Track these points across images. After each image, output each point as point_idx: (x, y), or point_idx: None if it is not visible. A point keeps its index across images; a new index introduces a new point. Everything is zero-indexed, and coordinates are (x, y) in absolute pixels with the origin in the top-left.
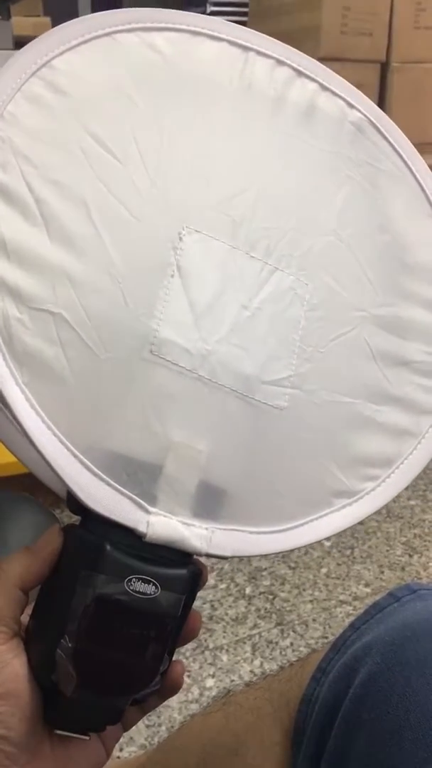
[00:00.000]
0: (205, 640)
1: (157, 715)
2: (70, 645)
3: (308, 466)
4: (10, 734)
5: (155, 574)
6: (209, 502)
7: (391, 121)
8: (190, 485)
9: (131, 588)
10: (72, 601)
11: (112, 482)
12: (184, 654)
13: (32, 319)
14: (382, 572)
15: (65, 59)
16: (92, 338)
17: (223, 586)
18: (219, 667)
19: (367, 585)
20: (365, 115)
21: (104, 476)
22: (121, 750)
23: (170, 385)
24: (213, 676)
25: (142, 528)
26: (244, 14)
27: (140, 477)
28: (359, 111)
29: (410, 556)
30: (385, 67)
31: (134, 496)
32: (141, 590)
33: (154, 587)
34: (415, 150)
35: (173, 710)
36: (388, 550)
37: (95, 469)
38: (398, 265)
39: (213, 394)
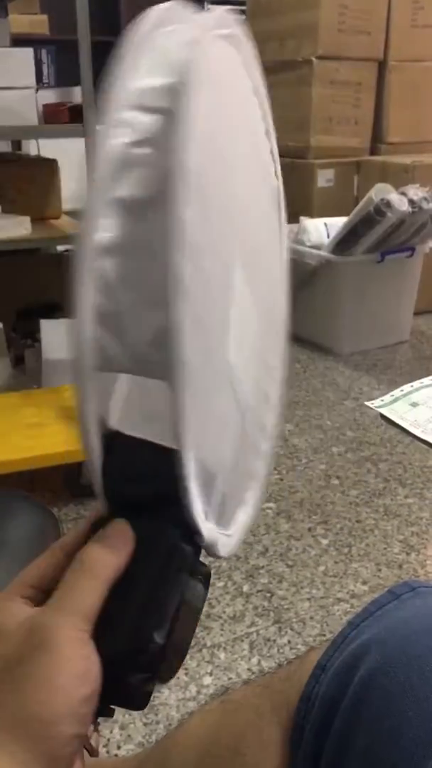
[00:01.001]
0: (203, 638)
1: (155, 713)
2: (161, 641)
3: (242, 482)
4: (86, 733)
5: (204, 572)
6: (221, 510)
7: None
8: (221, 496)
9: (197, 588)
10: (167, 601)
11: (200, 491)
12: None
13: (191, 322)
14: (380, 570)
15: None
16: (211, 352)
17: (220, 584)
18: (217, 665)
19: (364, 583)
20: (279, 187)
21: (199, 485)
22: (119, 748)
23: (229, 405)
24: (211, 674)
25: (205, 534)
26: (242, 12)
27: (208, 486)
28: (278, 181)
29: (408, 553)
30: (382, 66)
31: (205, 505)
32: (199, 589)
33: (202, 586)
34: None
35: (171, 708)
36: (385, 548)
37: (198, 478)
38: (274, 322)
39: (236, 415)
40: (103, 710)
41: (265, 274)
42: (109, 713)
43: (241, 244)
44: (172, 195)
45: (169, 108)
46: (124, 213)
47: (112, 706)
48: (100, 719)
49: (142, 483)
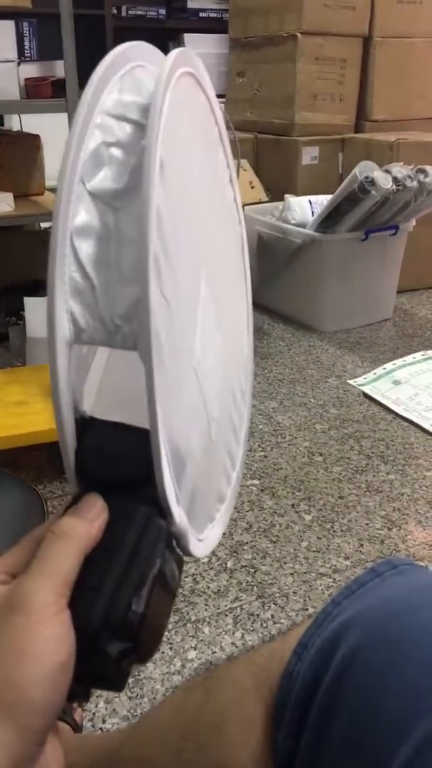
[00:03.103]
0: (187, 613)
1: (139, 687)
2: (140, 610)
3: (210, 494)
4: (61, 703)
5: (179, 559)
6: (191, 505)
7: None
8: (191, 487)
9: (173, 566)
10: (146, 569)
11: (172, 472)
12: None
13: (161, 305)
14: (362, 545)
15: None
16: (179, 339)
17: (204, 560)
18: (201, 639)
19: (347, 558)
20: (242, 233)
21: (171, 465)
22: (104, 721)
23: (197, 398)
24: (195, 648)
25: (176, 518)
26: None
27: (178, 470)
28: (242, 228)
29: (389, 529)
30: (367, 42)
31: (177, 488)
32: (173, 569)
33: (177, 568)
34: None
35: (155, 682)
36: (367, 524)
37: (169, 458)
38: (239, 351)
39: (204, 415)
40: (80, 691)
41: (229, 308)
42: (86, 696)
43: (206, 264)
44: (146, 181)
45: (140, 120)
46: (95, 203)
47: (90, 687)
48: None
49: (115, 463)
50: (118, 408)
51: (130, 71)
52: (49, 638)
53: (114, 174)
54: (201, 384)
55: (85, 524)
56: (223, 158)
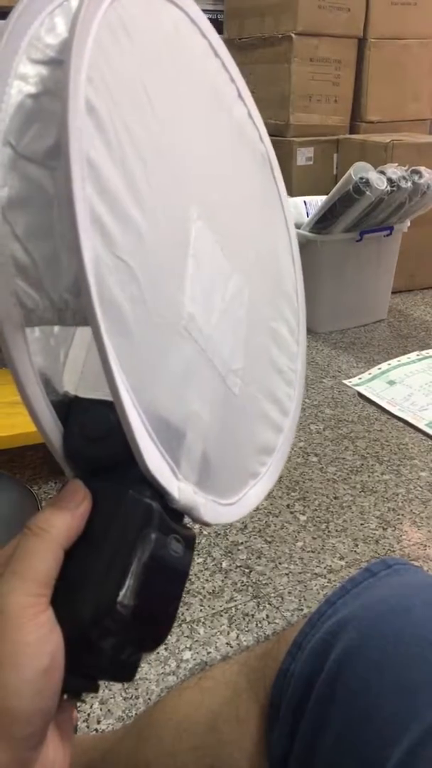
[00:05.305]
0: (182, 614)
1: (134, 687)
2: (129, 602)
3: (242, 450)
4: (51, 706)
5: (184, 534)
6: (203, 473)
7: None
8: (198, 454)
9: (171, 547)
10: (131, 558)
11: (159, 445)
12: None
13: (116, 268)
14: (357, 545)
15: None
16: (151, 300)
17: (199, 560)
18: (196, 639)
19: (341, 558)
20: (267, 151)
21: (156, 439)
22: (99, 722)
23: (193, 358)
24: (190, 648)
25: (175, 493)
26: None
27: (172, 442)
28: (265, 145)
29: (384, 529)
30: (362, 43)
31: (170, 461)
32: (176, 549)
33: (182, 547)
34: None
35: (150, 682)
36: (362, 524)
37: (151, 431)
38: (279, 289)
39: (210, 372)
40: (86, 684)
41: (253, 241)
42: (94, 688)
43: (200, 202)
44: (62, 129)
45: (61, 57)
46: (28, 166)
47: (95, 680)
48: (83, 695)
49: (101, 442)
50: (104, 384)
51: (64, 3)
52: (27, 644)
53: (45, 129)
54: (199, 341)
55: (63, 516)
56: (222, 72)
